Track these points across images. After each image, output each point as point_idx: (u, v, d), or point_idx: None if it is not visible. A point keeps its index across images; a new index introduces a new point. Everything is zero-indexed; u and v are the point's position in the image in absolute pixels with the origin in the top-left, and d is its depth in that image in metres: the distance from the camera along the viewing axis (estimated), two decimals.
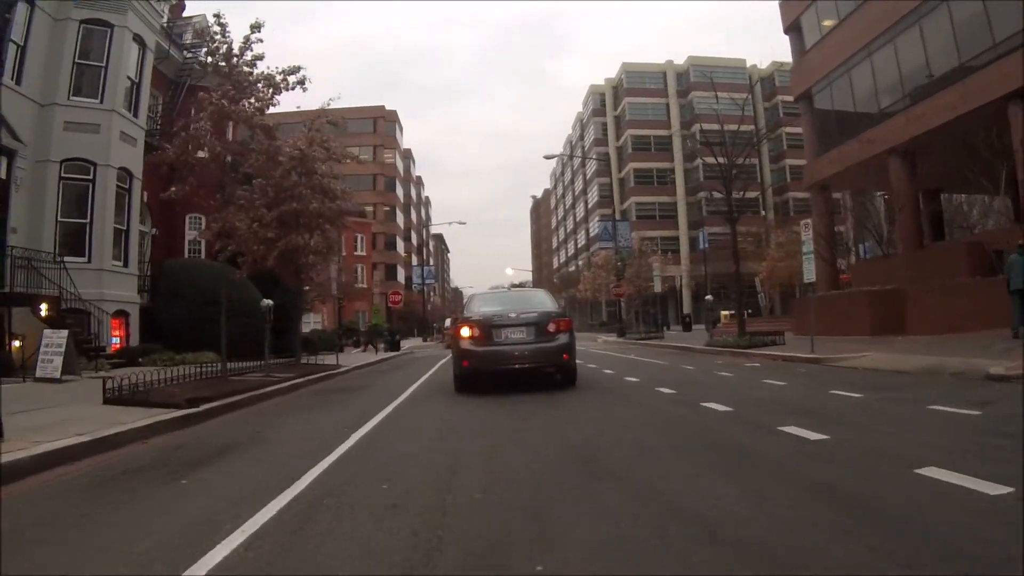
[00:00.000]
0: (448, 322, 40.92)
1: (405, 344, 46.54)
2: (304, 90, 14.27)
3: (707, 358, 19.33)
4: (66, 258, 19.03)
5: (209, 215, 13.10)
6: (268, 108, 14.09)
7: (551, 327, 11.43)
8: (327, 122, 20.35)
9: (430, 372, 18.00)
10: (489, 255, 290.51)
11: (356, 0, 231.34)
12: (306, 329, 47.05)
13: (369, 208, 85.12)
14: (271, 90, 13.42)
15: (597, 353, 24.41)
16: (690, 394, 9.88)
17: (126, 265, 21.44)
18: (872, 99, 27.28)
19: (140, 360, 18.65)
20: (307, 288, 23.90)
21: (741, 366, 15.72)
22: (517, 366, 11.37)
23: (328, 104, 19.43)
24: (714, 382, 11.89)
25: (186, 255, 26.45)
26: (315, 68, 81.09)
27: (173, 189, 14.00)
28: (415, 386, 13.99)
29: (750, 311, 46.94)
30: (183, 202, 21.13)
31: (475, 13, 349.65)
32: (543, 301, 12.99)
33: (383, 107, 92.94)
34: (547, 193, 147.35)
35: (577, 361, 12.57)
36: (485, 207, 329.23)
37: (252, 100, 13.30)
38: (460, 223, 64.81)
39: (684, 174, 79.79)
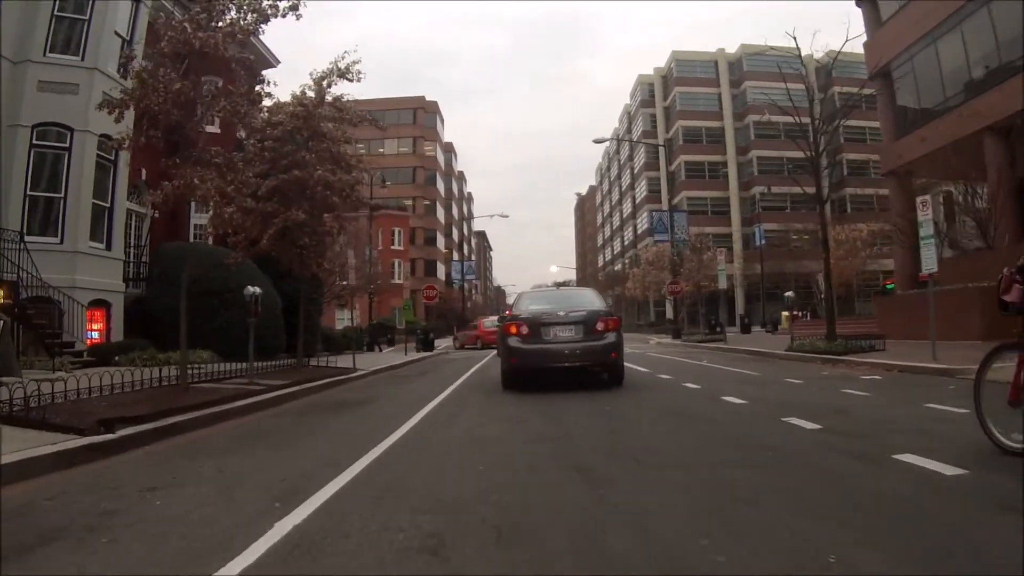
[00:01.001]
0: (490, 321, 37.51)
1: (441, 344, 43.46)
2: (297, 17, 10.90)
3: (801, 367, 15.84)
4: (33, 238, 16.19)
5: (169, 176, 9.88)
6: (248, 36, 10.70)
7: (599, 325, 11.55)
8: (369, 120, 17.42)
9: (463, 378, 14.75)
10: (528, 254, 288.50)
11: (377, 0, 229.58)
12: (339, 326, 44.68)
13: (408, 202, 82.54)
14: (253, 14, 10.16)
15: (659, 358, 20.86)
16: (853, 432, 6.44)
17: (109, 248, 18.51)
18: (964, 71, 23.71)
19: (116, 359, 15.64)
20: (318, 276, 20.66)
21: (857, 379, 12.16)
22: (565, 364, 11.47)
23: (342, 58, 16.14)
24: (861, 406, 8.38)
25: (191, 239, 23.46)
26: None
27: (119, 135, 10.69)
28: (436, 402, 10.62)
29: (804, 312, 43.10)
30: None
31: (499, 12, 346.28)
32: (591, 300, 13.17)
33: (423, 97, 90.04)
34: (592, 190, 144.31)
35: (644, 369, 13.02)
36: (519, 205, 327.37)
37: (225, 22, 9.98)
38: (502, 215, 62.24)
39: (737, 167, 75.59)
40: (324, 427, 8.57)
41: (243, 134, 16.87)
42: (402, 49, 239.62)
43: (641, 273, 61.72)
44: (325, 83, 16.47)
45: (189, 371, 11.15)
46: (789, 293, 35.98)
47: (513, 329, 11.74)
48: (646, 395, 10.59)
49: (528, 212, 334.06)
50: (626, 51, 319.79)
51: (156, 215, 21.65)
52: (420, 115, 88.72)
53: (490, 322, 37.20)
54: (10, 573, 3.13)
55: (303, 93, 16.31)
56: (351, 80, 16.35)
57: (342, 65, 16.33)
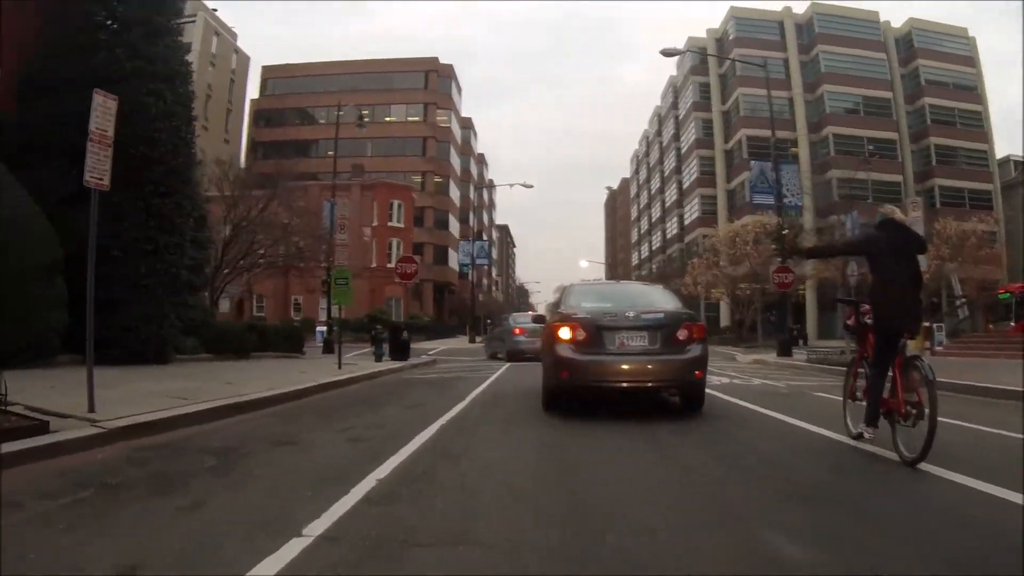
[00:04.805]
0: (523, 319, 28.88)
1: (438, 347, 35.90)
2: None
3: None
4: None
5: None
6: None
7: (681, 333, 9.45)
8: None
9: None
10: (552, 255, 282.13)
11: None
12: (322, 317, 37.73)
13: (417, 178, 75.58)
14: None
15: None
16: None
17: None
18: None
19: None
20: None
21: None
22: (635, 383, 9.45)
23: None
24: None
25: None
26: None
27: None
28: None
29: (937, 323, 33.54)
30: None
31: (524, 12, 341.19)
32: (664, 298, 11.25)
33: (436, 59, 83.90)
34: (625, 183, 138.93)
35: None
36: (541, 206, 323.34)
37: None
38: (526, 185, 54.14)
39: (809, 147, 67.25)
40: None
41: None
42: (433, 50, 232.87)
43: (703, 264, 53.42)
44: None
45: None
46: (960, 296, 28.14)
47: (565, 333, 9.60)
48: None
49: (553, 214, 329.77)
50: (654, 54, 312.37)
51: None
52: (432, 78, 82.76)
53: (524, 320, 28.39)
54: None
55: None
56: None
57: None
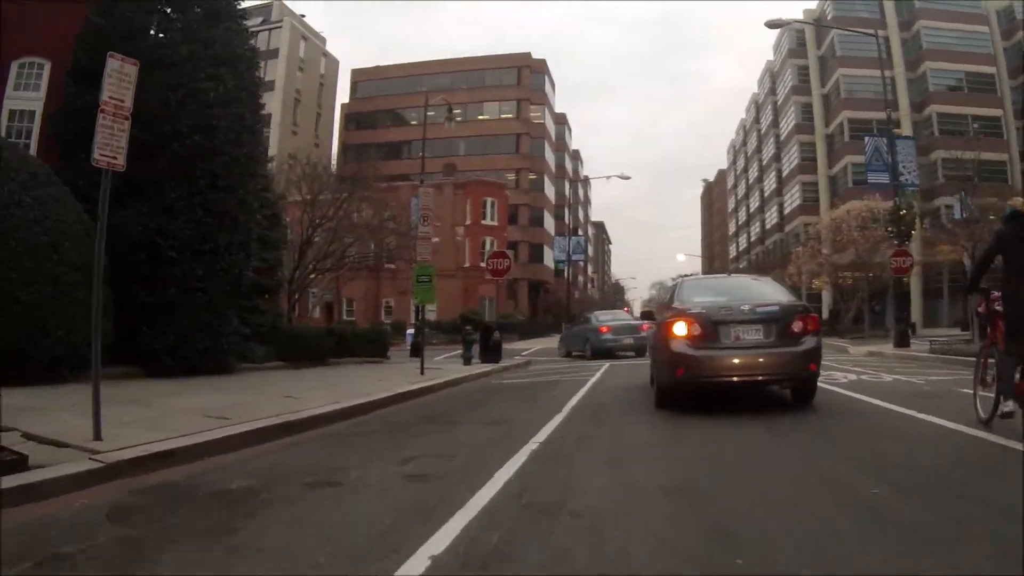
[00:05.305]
0: (607, 317, 29.13)
1: (532, 347, 34.18)
2: None
3: None
4: None
5: None
6: None
7: (796, 326, 9.27)
8: None
9: None
10: (646, 251, 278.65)
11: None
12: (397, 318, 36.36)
13: (511, 176, 74.22)
14: None
15: None
16: None
17: None
18: None
19: None
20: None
21: None
22: (752, 377, 9.27)
23: None
24: None
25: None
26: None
27: None
28: None
29: None
30: None
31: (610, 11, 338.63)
32: (776, 291, 10.84)
33: (528, 55, 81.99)
34: (721, 174, 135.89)
35: None
36: (636, 203, 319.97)
37: None
38: (623, 177, 52.24)
39: (912, 126, 63.27)
40: None
41: None
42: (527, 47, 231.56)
43: (808, 252, 50.78)
44: None
45: None
46: None
47: (681, 329, 9.40)
48: None
49: (648, 212, 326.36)
50: (742, 48, 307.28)
51: None
52: (525, 75, 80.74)
53: (607, 318, 28.52)
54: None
55: None
56: None
57: None
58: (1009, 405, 6.62)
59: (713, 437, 7.50)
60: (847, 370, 16.37)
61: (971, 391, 8.18)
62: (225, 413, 8.78)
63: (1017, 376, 6.66)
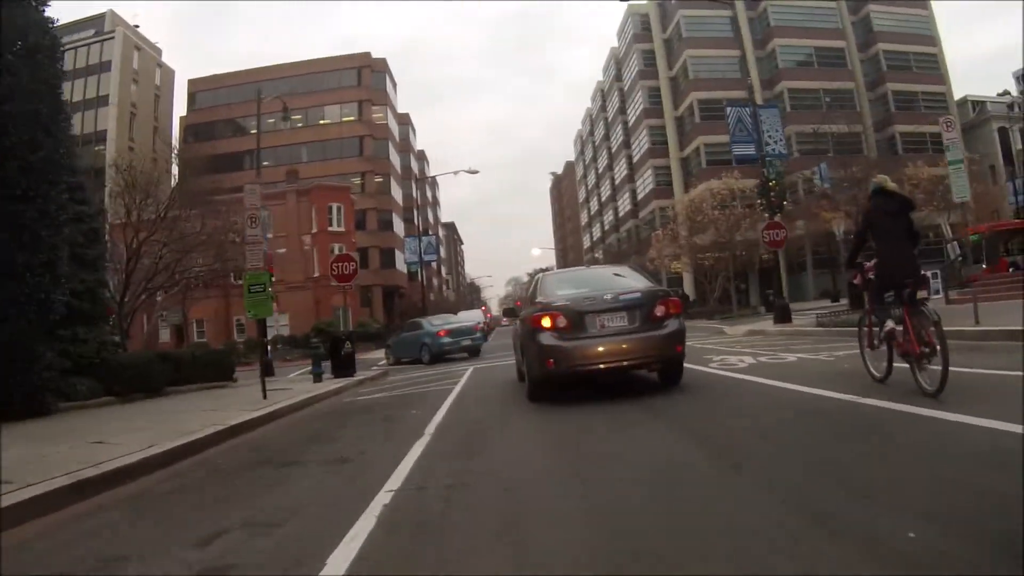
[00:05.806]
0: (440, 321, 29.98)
1: (381, 357, 32.71)
2: None
3: None
4: None
5: None
6: None
7: (659, 310, 9.70)
8: None
9: None
10: (501, 250, 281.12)
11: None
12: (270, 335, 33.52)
13: (356, 179, 72.02)
14: None
15: None
16: None
17: None
18: None
19: None
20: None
21: None
22: (621, 363, 9.63)
23: None
24: None
25: None
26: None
27: None
28: None
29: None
30: None
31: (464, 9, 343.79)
32: (635, 278, 11.25)
33: (368, 54, 79.67)
34: (570, 166, 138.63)
35: None
36: (486, 202, 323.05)
37: None
38: (471, 172, 50.99)
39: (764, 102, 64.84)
40: None
41: None
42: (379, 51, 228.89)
43: (666, 236, 50.97)
44: None
45: None
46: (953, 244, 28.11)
47: (545, 322, 9.76)
48: None
49: (501, 208, 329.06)
50: (596, 40, 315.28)
51: None
52: (366, 75, 78.55)
53: (440, 322, 29.86)
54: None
55: None
56: None
57: None
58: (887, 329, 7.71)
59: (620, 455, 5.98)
60: (739, 352, 15.35)
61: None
62: (12, 473, 6.74)
63: (901, 336, 7.37)
